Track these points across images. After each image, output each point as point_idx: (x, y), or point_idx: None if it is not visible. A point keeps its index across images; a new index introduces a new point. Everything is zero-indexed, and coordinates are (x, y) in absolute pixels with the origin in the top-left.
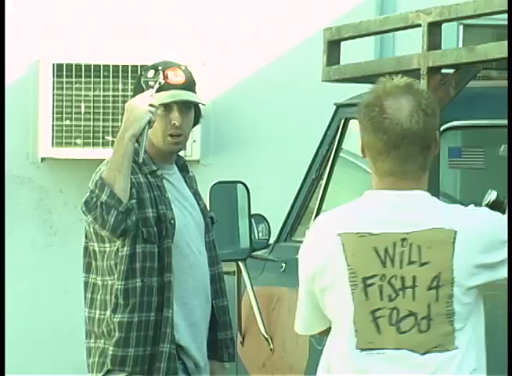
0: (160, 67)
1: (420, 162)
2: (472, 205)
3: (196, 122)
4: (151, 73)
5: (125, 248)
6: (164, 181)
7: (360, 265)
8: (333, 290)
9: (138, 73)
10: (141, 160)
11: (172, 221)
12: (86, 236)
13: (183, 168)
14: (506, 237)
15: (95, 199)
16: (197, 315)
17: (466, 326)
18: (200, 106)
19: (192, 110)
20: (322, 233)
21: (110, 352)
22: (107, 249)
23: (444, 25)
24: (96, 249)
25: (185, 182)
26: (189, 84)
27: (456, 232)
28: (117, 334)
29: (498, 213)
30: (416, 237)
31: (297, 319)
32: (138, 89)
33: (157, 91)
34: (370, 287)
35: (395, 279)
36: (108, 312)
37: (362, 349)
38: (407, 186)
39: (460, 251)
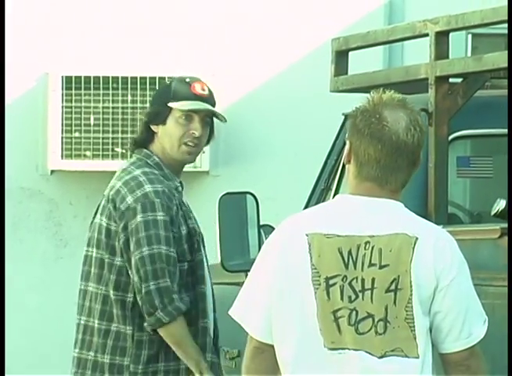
0: (187, 79)
1: (404, 177)
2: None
3: (208, 141)
4: (178, 84)
5: None
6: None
7: (324, 265)
8: (295, 288)
9: (147, 85)
10: None
11: (200, 234)
12: (91, 245)
13: None
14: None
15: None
16: (212, 321)
17: (428, 336)
18: (215, 125)
19: (209, 127)
20: (289, 233)
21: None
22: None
23: (453, 35)
24: (106, 260)
25: None
26: (213, 100)
27: (417, 238)
28: (146, 351)
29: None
30: (378, 241)
31: (250, 320)
32: (162, 97)
33: (182, 99)
34: (332, 287)
35: (356, 281)
36: (131, 329)
37: (328, 348)
38: (383, 195)
39: (420, 256)
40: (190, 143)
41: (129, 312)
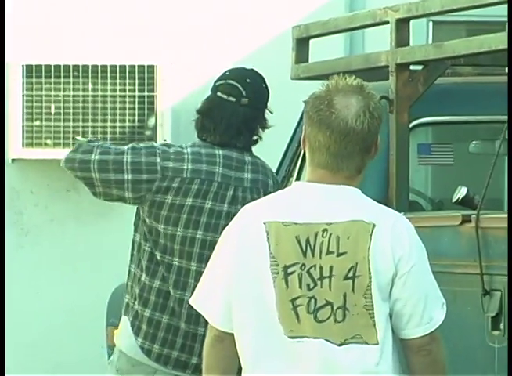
0: None
1: (356, 162)
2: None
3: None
4: None
5: None
6: None
7: (282, 253)
8: (254, 277)
9: (108, 73)
10: None
11: None
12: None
13: None
14: (413, 263)
15: None
16: None
17: (388, 322)
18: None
19: None
20: (246, 221)
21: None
22: None
23: (414, 22)
24: None
25: None
26: None
27: (374, 225)
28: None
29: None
30: (336, 228)
31: (210, 309)
32: None
33: None
34: (290, 275)
35: (314, 269)
36: None
37: (288, 337)
38: (336, 181)
39: (377, 243)
40: None
41: None
